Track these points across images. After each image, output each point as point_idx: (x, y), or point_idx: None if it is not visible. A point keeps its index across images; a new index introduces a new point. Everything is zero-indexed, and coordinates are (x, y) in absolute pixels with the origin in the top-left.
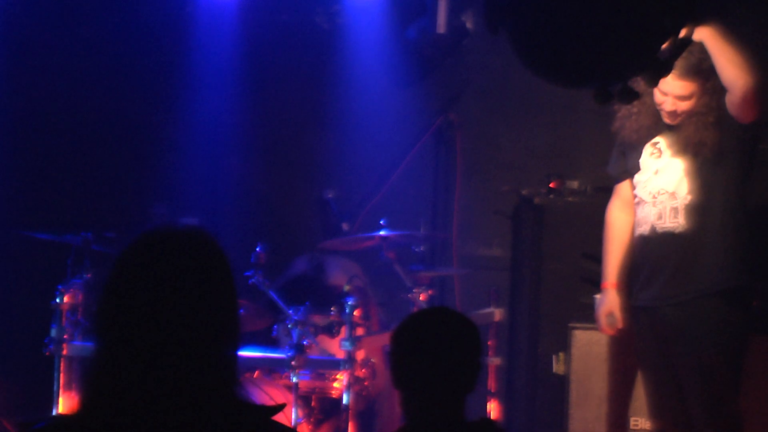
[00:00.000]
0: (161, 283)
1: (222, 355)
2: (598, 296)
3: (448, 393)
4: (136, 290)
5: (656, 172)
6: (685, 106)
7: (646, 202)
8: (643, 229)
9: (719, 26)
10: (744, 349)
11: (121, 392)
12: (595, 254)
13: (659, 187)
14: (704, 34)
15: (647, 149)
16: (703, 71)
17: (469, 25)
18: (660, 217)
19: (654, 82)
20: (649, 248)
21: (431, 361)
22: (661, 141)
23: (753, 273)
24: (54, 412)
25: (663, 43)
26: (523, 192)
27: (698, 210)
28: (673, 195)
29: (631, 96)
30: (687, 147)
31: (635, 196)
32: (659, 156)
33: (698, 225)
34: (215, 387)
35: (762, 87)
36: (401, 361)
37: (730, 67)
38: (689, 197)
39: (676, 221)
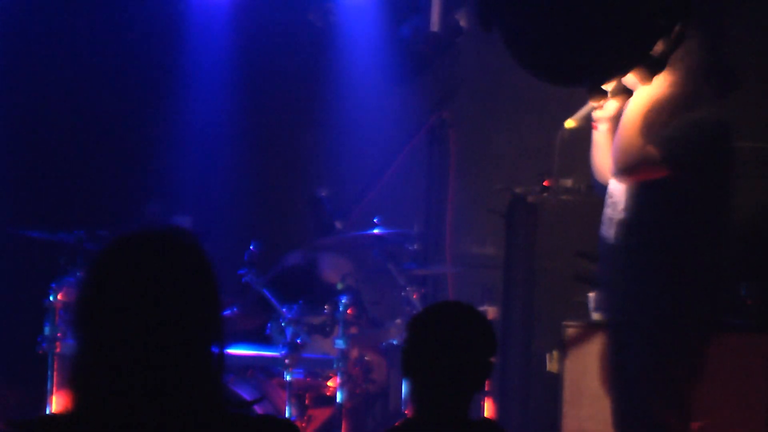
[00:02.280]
0: (136, 284)
1: (204, 353)
2: (591, 294)
3: (456, 389)
4: (110, 291)
5: None
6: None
7: (604, 199)
8: (601, 226)
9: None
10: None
11: (101, 392)
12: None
13: (613, 190)
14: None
15: None
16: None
17: (462, 23)
18: (604, 223)
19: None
20: (599, 248)
21: (444, 355)
22: None
23: (688, 300)
24: (47, 411)
25: (656, 40)
26: (517, 190)
27: (630, 228)
28: (616, 205)
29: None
30: None
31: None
32: None
33: (627, 242)
34: (198, 385)
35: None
36: (414, 351)
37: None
38: (623, 213)
39: (610, 233)
